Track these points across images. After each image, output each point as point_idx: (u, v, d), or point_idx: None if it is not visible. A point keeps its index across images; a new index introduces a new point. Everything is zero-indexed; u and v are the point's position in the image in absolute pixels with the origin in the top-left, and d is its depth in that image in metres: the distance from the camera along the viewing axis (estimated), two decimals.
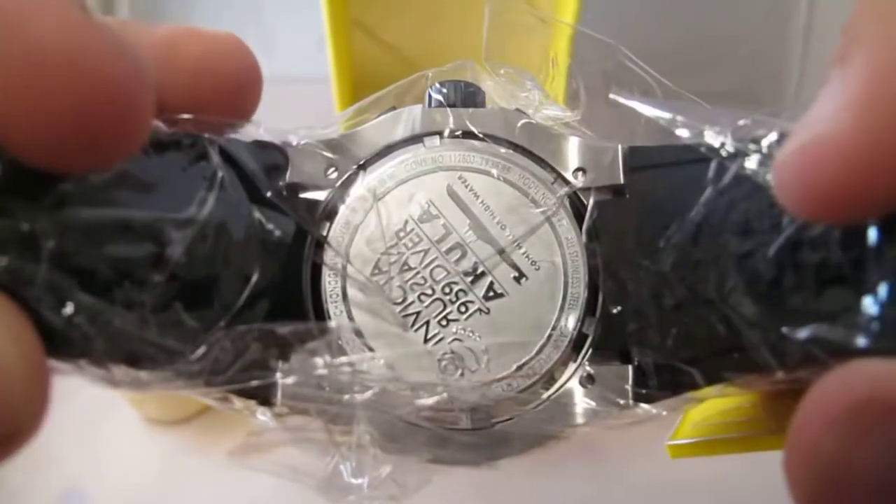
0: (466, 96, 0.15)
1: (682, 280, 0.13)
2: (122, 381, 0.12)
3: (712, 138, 0.12)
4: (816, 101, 0.11)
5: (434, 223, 0.14)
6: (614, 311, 0.14)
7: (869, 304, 0.11)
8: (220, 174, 0.12)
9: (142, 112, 0.10)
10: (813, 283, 0.11)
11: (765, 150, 0.12)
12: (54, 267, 0.10)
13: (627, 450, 0.43)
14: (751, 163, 0.12)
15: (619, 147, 0.14)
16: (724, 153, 0.12)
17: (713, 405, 0.16)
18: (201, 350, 0.12)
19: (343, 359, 0.12)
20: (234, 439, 0.44)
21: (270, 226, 0.13)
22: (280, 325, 0.12)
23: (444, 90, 0.15)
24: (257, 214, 0.13)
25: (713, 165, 0.12)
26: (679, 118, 0.13)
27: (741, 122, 0.13)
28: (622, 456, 0.43)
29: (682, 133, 0.13)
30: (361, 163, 0.14)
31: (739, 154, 0.12)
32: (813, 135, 0.10)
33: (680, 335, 0.13)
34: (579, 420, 0.14)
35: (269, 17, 0.64)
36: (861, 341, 0.11)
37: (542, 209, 0.14)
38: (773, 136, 0.12)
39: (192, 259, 0.12)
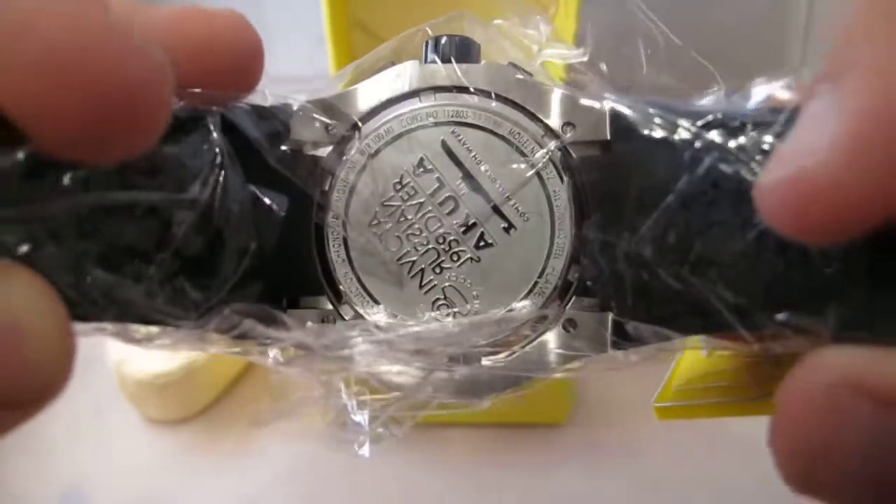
0: (461, 50, 0.15)
1: (658, 247, 0.13)
2: (140, 339, 0.13)
3: (688, 126, 0.13)
4: (804, 118, 0.11)
5: (429, 176, 0.15)
6: (596, 262, 0.14)
7: (839, 294, 0.12)
8: (218, 157, 0.13)
9: (156, 110, 0.10)
10: (787, 270, 0.12)
11: (746, 145, 0.13)
12: (71, 246, 0.12)
13: (627, 449, 0.43)
14: (727, 157, 0.13)
15: (607, 103, 0.14)
16: (699, 140, 0.13)
17: (695, 369, 0.17)
18: (202, 319, 0.13)
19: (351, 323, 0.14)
20: (233, 439, 0.44)
21: (267, 201, 0.14)
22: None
23: (439, 45, 0.15)
24: (253, 189, 0.14)
25: (688, 152, 0.13)
26: (652, 110, 0.14)
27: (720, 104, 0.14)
28: (622, 455, 0.43)
29: (657, 126, 0.14)
30: (360, 119, 0.15)
31: (718, 136, 0.13)
32: (804, 170, 0.10)
33: (655, 294, 0.14)
34: (560, 363, 0.15)
35: (268, 17, 0.64)
36: (830, 328, 0.12)
37: (531, 162, 0.15)
38: (752, 134, 0.13)
39: (194, 236, 0.13)
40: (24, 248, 0.11)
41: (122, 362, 0.42)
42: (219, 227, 0.13)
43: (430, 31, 0.16)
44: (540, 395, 0.41)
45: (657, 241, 0.13)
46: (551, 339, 0.15)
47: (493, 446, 0.43)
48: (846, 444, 0.10)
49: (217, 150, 0.13)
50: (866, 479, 0.10)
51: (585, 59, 0.16)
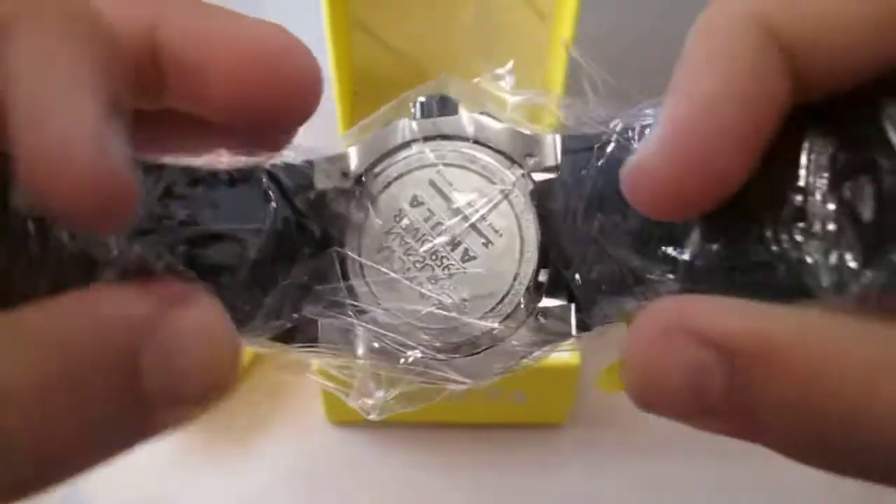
0: (441, 106, 0.19)
1: (595, 239, 0.18)
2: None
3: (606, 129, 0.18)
4: (656, 121, 0.14)
5: (421, 208, 0.19)
6: (558, 263, 0.18)
7: (683, 257, 0.16)
8: (272, 196, 0.18)
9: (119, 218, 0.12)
10: (655, 244, 0.16)
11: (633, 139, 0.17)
12: (182, 266, 0.16)
13: (627, 449, 0.43)
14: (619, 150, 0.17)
15: (557, 135, 0.19)
16: (613, 141, 0.17)
17: None
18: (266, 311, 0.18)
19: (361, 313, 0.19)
20: (233, 439, 0.44)
21: (312, 227, 0.19)
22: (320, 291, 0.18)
23: (424, 104, 0.19)
24: (294, 217, 0.18)
25: (596, 152, 0.18)
26: (588, 116, 0.18)
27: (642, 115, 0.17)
28: (622, 455, 0.43)
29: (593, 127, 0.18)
30: (366, 169, 0.19)
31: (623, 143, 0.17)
32: (638, 160, 0.14)
33: (601, 279, 0.18)
34: (537, 348, 0.19)
35: (268, 17, 0.64)
36: (674, 286, 0.16)
37: (500, 189, 0.19)
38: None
39: (261, 254, 0.18)
40: (161, 264, 0.15)
41: None
42: (277, 247, 0.18)
43: (419, 93, 0.20)
44: (540, 395, 0.41)
45: (594, 237, 0.18)
46: (528, 329, 0.19)
47: (493, 446, 0.43)
48: (675, 373, 0.13)
49: (267, 189, 0.18)
50: (689, 403, 0.13)
51: (545, 100, 0.19)
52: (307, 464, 0.43)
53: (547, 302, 0.18)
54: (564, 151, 0.18)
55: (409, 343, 0.18)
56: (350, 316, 0.18)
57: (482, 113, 0.19)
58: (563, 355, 0.39)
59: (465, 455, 0.43)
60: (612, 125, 0.17)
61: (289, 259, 0.18)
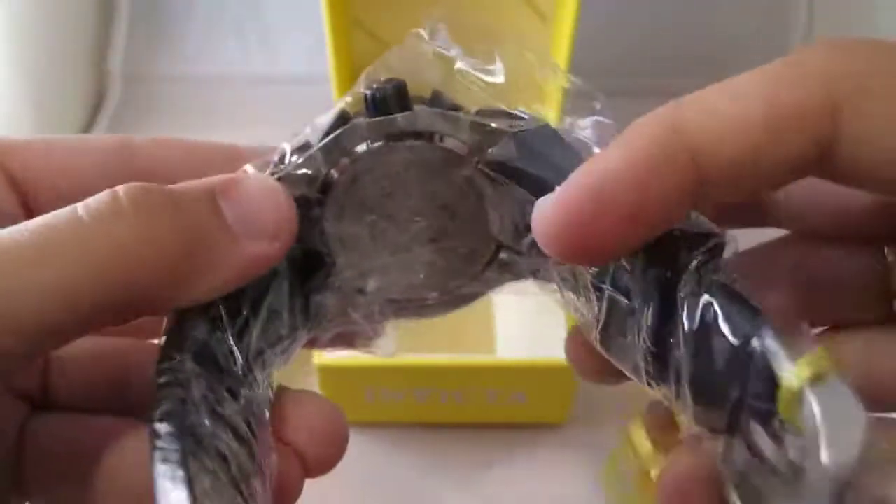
0: (395, 100, 0.18)
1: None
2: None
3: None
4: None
5: (390, 197, 0.19)
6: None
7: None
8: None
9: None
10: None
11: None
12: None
13: None
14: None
15: (512, 127, 0.19)
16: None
17: None
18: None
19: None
20: None
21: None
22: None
23: (376, 101, 0.18)
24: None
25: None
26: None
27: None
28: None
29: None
30: (328, 171, 0.19)
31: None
32: (541, 204, 0.16)
33: None
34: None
35: (269, 17, 0.64)
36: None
37: (460, 173, 0.19)
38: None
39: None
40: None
41: None
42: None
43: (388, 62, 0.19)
44: (540, 395, 0.41)
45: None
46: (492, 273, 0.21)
47: (493, 446, 0.43)
48: None
49: None
50: None
51: (500, 80, 0.19)
52: None
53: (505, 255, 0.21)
54: (518, 141, 0.18)
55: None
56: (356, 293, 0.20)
57: (433, 94, 0.19)
58: (563, 356, 0.39)
59: (465, 455, 0.43)
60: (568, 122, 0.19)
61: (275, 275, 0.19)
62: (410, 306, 0.22)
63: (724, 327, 0.15)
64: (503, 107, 0.19)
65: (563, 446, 0.43)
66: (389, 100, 0.18)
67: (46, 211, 0.15)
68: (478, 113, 0.19)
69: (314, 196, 0.19)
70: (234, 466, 0.15)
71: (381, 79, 0.18)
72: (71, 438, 0.19)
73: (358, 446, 0.44)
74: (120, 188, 0.15)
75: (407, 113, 0.18)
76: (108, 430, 0.18)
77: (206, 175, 0.17)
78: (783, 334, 0.14)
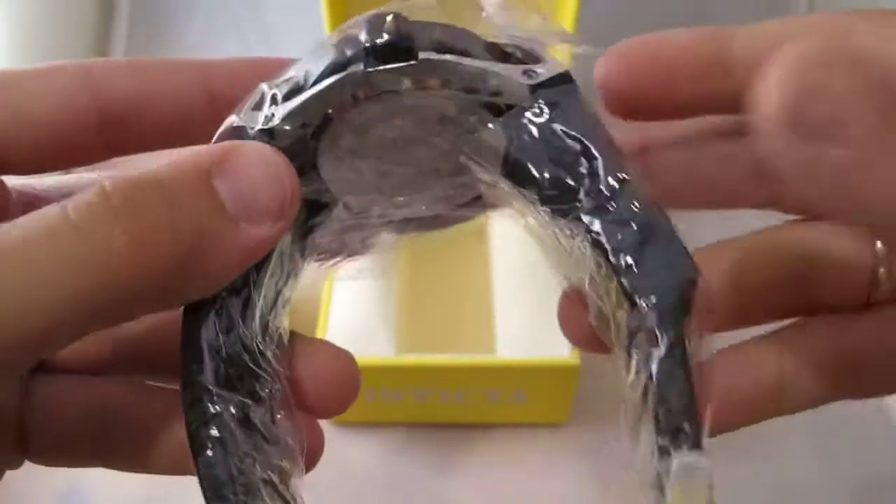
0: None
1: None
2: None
3: None
4: None
5: (394, 140, 0.18)
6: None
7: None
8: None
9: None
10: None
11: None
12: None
13: (627, 449, 0.43)
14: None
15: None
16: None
17: None
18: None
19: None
20: None
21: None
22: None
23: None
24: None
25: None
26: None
27: None
28: (622, 455, 0.43)
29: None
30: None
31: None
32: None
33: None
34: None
35: (268, 17, 0.64)
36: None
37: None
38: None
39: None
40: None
41: None
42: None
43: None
44: (540, 395, 0.41)
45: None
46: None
47: (493, 446, 0.43)
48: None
49: None
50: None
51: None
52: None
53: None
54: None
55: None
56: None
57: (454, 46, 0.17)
58: (564, 355, 0.39)
59: (465, 455, 0.43)
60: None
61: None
62: (410, 225, 0.21)
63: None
64: (516, 32, 0.18)
65: (563, 446, 0.43)
66: (391, 47, 0.16)
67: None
68: (491, 48, 0.17)
69: (308, 142, 0.17)
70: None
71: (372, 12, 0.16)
72: (78, 401, 0.19)
73: (358, 446, 0.44)
74: (107, 184, 0.14)
75: (412, 64, 0.16)
76: (117, 391, 0.19)
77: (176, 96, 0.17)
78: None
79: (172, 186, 0.15)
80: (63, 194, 0.18)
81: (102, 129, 0.18)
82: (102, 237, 0.14)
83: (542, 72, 0.17)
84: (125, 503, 0.40)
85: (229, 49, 0.65)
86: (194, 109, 0.18)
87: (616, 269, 0.16)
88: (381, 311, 0.42)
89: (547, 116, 0.17)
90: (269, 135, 0.17)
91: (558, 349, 0.39)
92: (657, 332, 0.16)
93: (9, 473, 0.19)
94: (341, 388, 0.18)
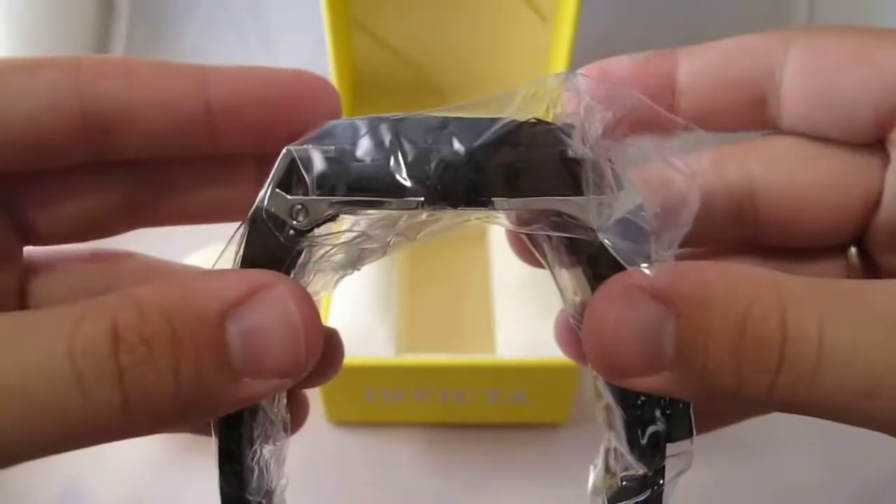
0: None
1: None
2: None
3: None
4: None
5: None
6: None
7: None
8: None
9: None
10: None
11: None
12: None
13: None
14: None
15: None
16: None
17: None
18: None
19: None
20: None
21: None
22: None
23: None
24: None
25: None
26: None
27: None
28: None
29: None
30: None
31: None
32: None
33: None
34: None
35: (268, 17, 0.64)
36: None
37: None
38: None
39: None
40: None
41: None
42: None
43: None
44: (540, 395, 0.41)
45: None
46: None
47: (493, 446, 0.43)
48: (636, 324, 0.15)
49: None
50: (645, 356, 0.15)
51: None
52: (307, 464, 0.43)
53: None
54: None
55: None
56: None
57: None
58: (563, 356, 0.39)
59: (465, 455, 0.43)
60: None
61: None
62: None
63: None
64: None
65: (563, 446, 0.43)
66: (464, 196, 0.16)
67: None
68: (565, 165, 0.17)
69: None
70: None
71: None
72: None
73: (358, 446, 0.44)
74: (121, 323, 0.14)
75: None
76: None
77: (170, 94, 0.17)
78: None
79: (183, 332, 0.14)
80: (83, 260, 0.19)
81: (87, 135, 0.17)
82: (104, 402, 0.14)
83: (616, 207, 0.17)
84: (123, 503, 0.40)
85: (229, 49, 0.65)
86: (189, 118, 0.18)
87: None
88: (380, 311, 0.42)
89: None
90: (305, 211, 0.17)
91: (558, 349, 0.39)
92: None
93: (8, 473, 0.19)
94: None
